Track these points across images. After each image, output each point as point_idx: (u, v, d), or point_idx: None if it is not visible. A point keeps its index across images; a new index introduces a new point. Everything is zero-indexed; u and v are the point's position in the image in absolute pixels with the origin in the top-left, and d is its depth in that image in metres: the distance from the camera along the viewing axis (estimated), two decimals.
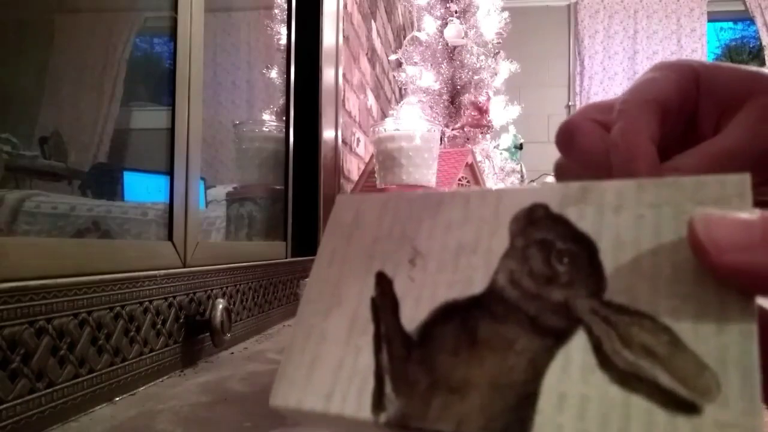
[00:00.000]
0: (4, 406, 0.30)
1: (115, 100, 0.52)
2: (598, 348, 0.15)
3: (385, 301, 0.18)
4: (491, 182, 1.95)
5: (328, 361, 0.17)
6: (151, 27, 0.60)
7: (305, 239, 0.96)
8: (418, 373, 0.16)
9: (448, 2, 2.22)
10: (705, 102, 0.24)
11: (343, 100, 1.34)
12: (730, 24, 4.60)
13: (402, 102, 1.62)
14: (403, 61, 2.24)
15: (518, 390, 0.15)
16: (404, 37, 2.41)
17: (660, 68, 0.24)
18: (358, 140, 1.64)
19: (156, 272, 0.46)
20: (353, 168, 1.54)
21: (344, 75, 1.31)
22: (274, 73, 0.96)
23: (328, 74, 1.05)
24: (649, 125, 0.22)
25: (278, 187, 0.94)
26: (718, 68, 0.24)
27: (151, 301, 0.45)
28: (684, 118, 0.23)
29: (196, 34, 0.59)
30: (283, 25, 0.99)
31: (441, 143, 1.93)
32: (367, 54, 1.82)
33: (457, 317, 0.16)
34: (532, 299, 0.16)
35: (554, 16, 4.47)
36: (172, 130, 0.56)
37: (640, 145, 0.21)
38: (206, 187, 0.68)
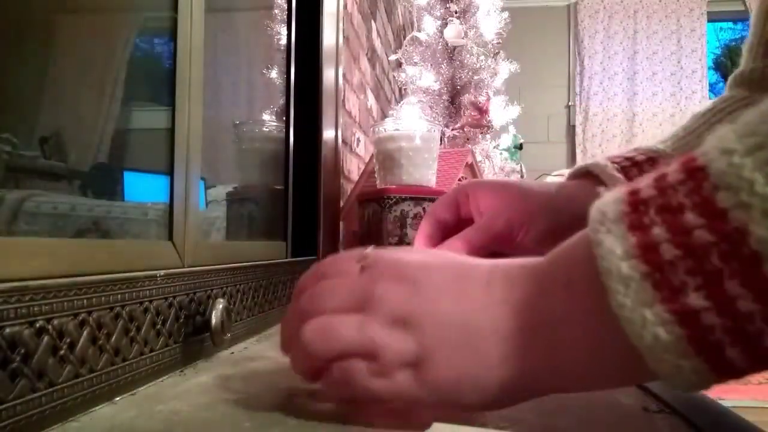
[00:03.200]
0: (4, 406, 0.30)
1: (115, 100, 0.52)
2: None
3: None
4: None
5: None
6: (151, 27, 0.60)
7: (305, 239, 0.95)
8: None
9: (448, 2, 2.22)
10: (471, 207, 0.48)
11: (343, 100, 1.34)
12: (730, 24, 4.61)
13: (402, 102, 1.62)
14: (403, 61, 2.24)
15: None
16: (404, 37, 2.41)
17: (439, 200, 0.50)
18: (358, 140, 1.64)
19: (156, 272, 0.46)
20: (353, 168, 1.54)
21: (344, 75, 1.31)
22: (274, 73, 0.96)
23: (328, 74, 1.05)
24: (424, 227, 0.49)
25: (278, 187, 0.94)
26: (478, 185, 0.49)
27: (151, 301, 0.45)
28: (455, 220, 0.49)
29: (196, 34, 0.59)
30: (283, 25, 0.99)
31: (441, 143, 1.93)
32: (367, 54, 1.82)
33: None
34: None
35: (554, 16, 4.47)
36: (172, 130, 0.55)
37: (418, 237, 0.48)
38: (206, 187, 0.68)
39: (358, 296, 0.31)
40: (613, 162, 0.46)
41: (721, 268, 0.20)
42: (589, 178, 0.46)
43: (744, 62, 0.51)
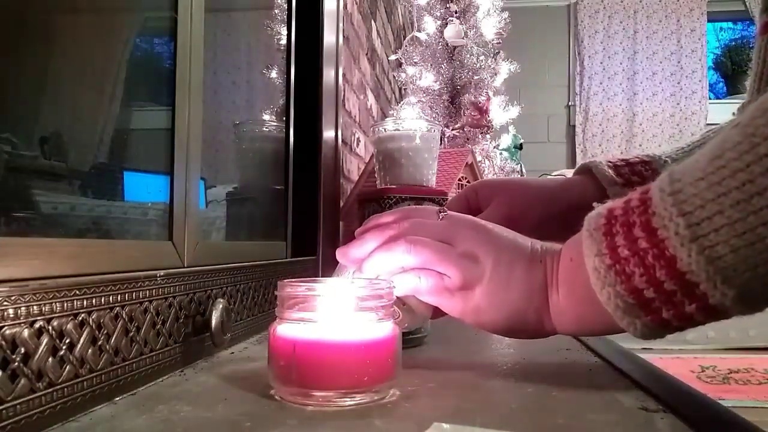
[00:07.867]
0: (4, 406, 0.30)
1: (115, 100, 0.52)
2: None
3: None
4: None
5: None
6: (151, 27, 0.60)
7: (305, 239, 0.96)
8: None
9: (448, 2, 2.22)
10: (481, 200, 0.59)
11: (343, 100, 1.34)
12: (730, 24, 4.60)
13: (402, 102, 1.62)
14: (403, 61, 2.24)
15: None
16: (404, 37, 2.41)
17: (459, 194, 0.60)
18: (358, 140, 1.64)
19: (156, 272, 0.46)
20: (353, 168, 1.54)
21: (344, 75, 1.31)
22: (274, 73, 0.96)
23: (328, 74, 1.05)
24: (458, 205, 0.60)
25: (278, 187, 0.94)
26: (485, 183, 0.62)
27: (151, 301, 0.45)
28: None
29: (196, 34, 0.59)
30: (283, 25, 0.99)
31: (441, 143, 1.93)
32: (367, 54, 1.82)
33: None
34: None
35: (554, 16, 4.47)
36: (172, 130, 0.56)
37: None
38: (206, 187, 0.68)
39: (442, 233, 0.44)
40: (609, 161, 0.56)
41: (654, 263, 0.34)
42: (589, 174, 0.57)
43: (747, 93, 0.56)
